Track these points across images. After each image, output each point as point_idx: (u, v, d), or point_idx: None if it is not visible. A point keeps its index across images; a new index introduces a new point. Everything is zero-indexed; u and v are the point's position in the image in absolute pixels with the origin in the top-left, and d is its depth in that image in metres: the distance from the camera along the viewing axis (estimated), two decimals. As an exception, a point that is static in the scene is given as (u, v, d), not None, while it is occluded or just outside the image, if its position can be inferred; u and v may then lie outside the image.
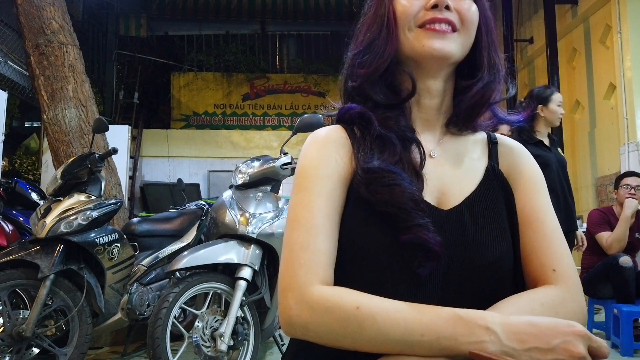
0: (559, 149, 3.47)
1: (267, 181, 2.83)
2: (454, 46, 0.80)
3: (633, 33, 5.10)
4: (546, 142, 3.37)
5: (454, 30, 0.80)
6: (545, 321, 0.66)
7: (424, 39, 0.80)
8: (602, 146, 5.63)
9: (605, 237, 3.80)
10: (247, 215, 2.65)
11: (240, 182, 2.80)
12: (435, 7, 0.79)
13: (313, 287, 0.72)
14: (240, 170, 2.84)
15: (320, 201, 0.78)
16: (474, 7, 0.83)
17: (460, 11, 0.80)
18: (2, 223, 3.38)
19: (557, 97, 3.40)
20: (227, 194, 2.80)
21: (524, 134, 3.29)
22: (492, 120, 0.90)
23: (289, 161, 2.79)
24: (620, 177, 4.03)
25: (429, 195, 0.80)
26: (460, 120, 0.86)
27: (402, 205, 0.74)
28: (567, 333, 0.64)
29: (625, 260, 3.58)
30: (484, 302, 0.74)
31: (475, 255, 0.77)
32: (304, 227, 0.76)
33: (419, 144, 0.83)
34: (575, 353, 0.62)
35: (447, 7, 0.79)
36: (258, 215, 2.66)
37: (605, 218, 3.90)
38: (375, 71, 0.83)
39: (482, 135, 0.91)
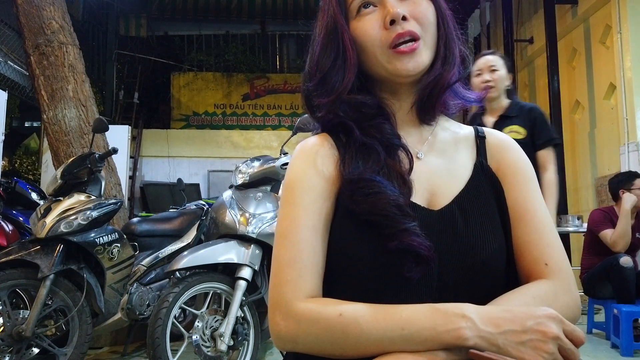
0: (517, 127, 2.68)
1: (267, 181, 2.83)
2: (424, 57, 0.81)
3: (633, 33, 5.10)
4: (489, 122, 2.77)
5: (417, 38, 0.81)
6: (519, 307, 0.69)
7: (396, 62, 0.80)
8: (602, 146, 5.63)
9: (609, 234, 3.78)
10: (247, 215, 2.65)
11: (240, 182, 2.80)
12: (392, 22, 0.79)
13: (299, 301, 0.74)
14: (240, 170, 2.84)
15: (306, 215, 0.79)
16: (430, 6, 0.83)
17: (417, 17, 0.81)
18: (2, 223, 3.38)
19: (475, 66, 2.80)
20: (227, 194, 2.80)
21: (473, 118, 2.93)
22: (457, 100, 0.90)
23: (289, 161, 2.79)
24: (632, 177, 3.91)
25: (419, 197, 0.81)
26: (421, 110, 0.87)
27: (386, 213, 0.75)
28: (540, 316, 0.65)
29: (625, 260, 3.57)
30: (479, 301, 0.74)
31: (468, 255, 0.77)
32: (291, 243, 0.78)
33: (405, 149, 0.83)
34: (548, 333, 0.64)
35: (404, 18, 0.80)
36: (258, 215, 2.66)
37: (607, 217, 3.88)
38: (337, 99, 0.83)
39: (469, 130, 0.91)
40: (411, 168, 0.81)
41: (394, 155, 0.82)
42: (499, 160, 0.87)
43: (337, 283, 0.78)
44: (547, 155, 2.73)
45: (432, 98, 0.84)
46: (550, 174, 2.72)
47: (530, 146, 2.63)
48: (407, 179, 0.80)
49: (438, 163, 0.85)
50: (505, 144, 0.89)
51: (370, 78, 0.86)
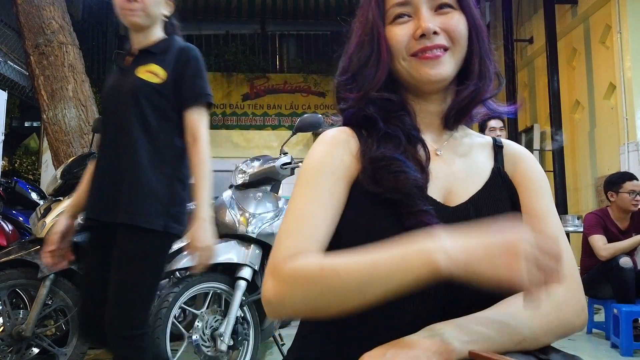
0: (156, 67, 1.78)
1: (267, 181, 2.83)
2: (449, 68, 0.83)
3: (633, 33, 5.11)
4: (128, 61, 1.87)
5: (446, 49, 0.83)
6: (493, 235, 0.67)
7: (419, 67, 0.83)
8: (602, 146, 5.63)
9: (596, 239, 3.77)
10: (247, 215, 2.65)
11: (240, 182, 2.80)
12: (422, 36, 0.82)
13: (287, 264, 0.74)
14: (240, 170, 2.84)
15: (316, 194, 0.80)
16: (462, 20, 0.84)
17: (448, 30, 0.83)
18: (2, 223, 3.38)
19: None
20: (227, 194, 2.80)
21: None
22: (483, 110, 0.92)
23: (289, 161, 2.79)
24: (620, 180, 3.91)
25: (436, 192, 0.82)
26: (451, 119, 0.89)
27: (407, 191, 0.76)
28: (514, 239, 0.64)
29: (625, 261, 3.58)
30: (488, 299, 0.74)
31: None
32: (295, 216, 0.79)
33: (423, 143, 0.85)
34: (522, 253, 0.63)
35: (435, 32, 0.82)
36: (258, 215, 2.66)
37: (600, 221, 3.86)
38: (364, 96, 0.86)
39: (487, 140, 0.94)
40: (428, 160, 0.83)
41: (413, 145, 0.84)
42: (515, 169, 0.89)
43: None
44: (197, 118, 1.78)
45: (465, 110, 0.87)
46: (202, 146, 1.75)
47: (170, 98, 1.78)
48: (425, 167, 0.81)
49: (456, 163, 0.87)
50: (522, 155, 0.92)
51: (396, 79, 0.88)
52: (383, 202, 0.77)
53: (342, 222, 0.81)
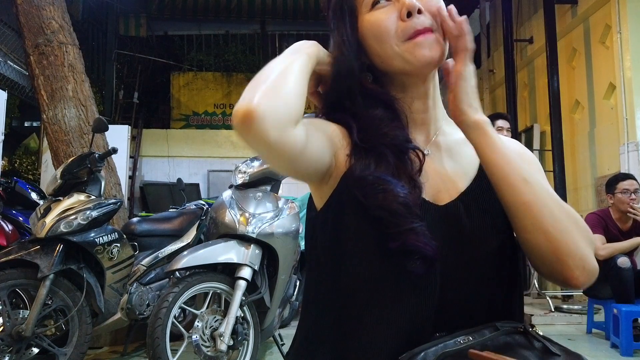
0: None
1: (267, 181, 2.83)
2: (441, 49, 0.81)
3: (633, 33, 5.10)
4: None
5: (433, 31, 0.80)
6: None
7: (415, 50, 0.79)
8: (602, 146, 5.63)
9: (596, 239, 3.77)
10: (246, 215, 2.65)
11: (240, 182, 2.80)
12: (409, 15, 0.79)
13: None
14: (240, 170, 2.84)
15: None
16: (440, 1, 0.82)
17: (431, 11, 0.80)
18: (2, 223, 3.38)
19: None
20: (227, 194, 2.80)
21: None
22: None
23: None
24: (614, 181, 3.94)
25: (425, 192, 0.80)
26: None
27: (394, 209, 0.73)
28: None
29: (623, 261, 3.58)
30: (484, 298, 0.74)
31: (471, 248, 0.77)
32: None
33: (416, 151, 0.81)
34: None
35: (420, 11, 0.79)
36: (258, 215, 2.66)
37: (601, 222, 3.87)
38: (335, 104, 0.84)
39: None
40: (421, 168, 0.80)
41: (403, 157, 0.80)
42: None
43: (339, 271, 0.78)
44: None
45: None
46: None
47: None
48: (416, 180, 0.78)
49: (444, 161, 0.86)
50: (509, 143, 0.90)
51: (381, 75, 0.85)
52: (372, 217, 0.75)
53: (334, 234, 0.79)
